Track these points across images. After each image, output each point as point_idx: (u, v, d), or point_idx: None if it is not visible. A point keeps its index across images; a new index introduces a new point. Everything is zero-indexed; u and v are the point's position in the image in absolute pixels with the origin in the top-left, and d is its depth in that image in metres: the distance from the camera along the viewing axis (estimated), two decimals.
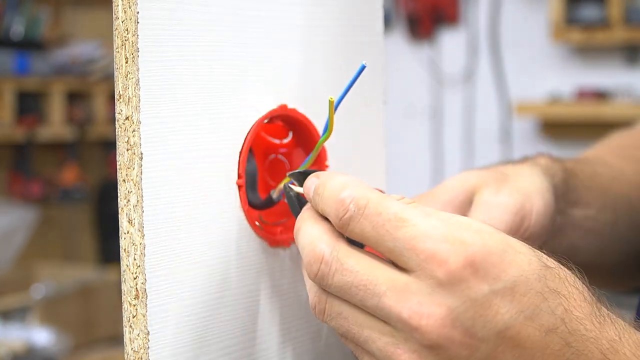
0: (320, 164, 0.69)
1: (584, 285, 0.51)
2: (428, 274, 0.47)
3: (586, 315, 0.49)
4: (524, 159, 0.75)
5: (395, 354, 0.49)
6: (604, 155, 0.87)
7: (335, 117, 0.64)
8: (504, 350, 0.47)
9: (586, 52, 3.38)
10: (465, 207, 0.68)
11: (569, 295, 0.49)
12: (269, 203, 0.67)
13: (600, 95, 3.24)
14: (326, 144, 0.69)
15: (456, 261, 0.47)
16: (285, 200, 0.64)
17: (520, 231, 0.67)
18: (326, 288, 0.51)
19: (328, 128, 0.61)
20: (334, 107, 0.60)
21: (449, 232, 0.48)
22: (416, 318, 0.47)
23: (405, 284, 0.48)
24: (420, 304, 0.47)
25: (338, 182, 0.53)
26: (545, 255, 0.51)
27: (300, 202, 0.60)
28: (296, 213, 0.59)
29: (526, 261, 0.49)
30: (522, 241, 0.51)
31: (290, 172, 0.62)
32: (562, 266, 0.51)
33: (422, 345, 0.48)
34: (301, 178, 0.59)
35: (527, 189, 0.69)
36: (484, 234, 0.49)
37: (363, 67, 0.59)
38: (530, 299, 0.47)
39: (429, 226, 0.48)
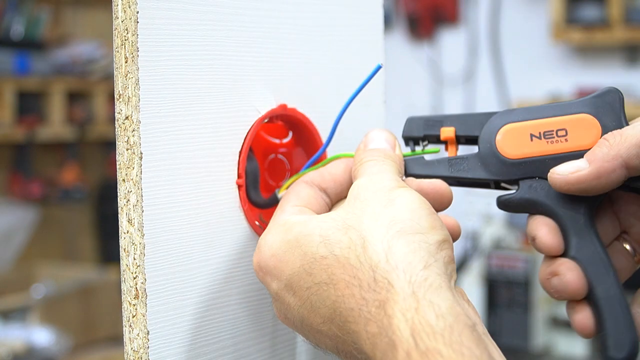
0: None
1: (363, 270, 0.52)
2: None
3: (357, 302, 0.52)
4: None
5: None
6: None
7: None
8: (308, 335, 0.57)
9: (586, 52, 3.37)
10: None
11: (337, 285, 0.53)
12: (274, 202, 0.67)
13: None
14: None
15: (254, 264, 0.59)
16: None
17: None
18: None
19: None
20: (342, 109, 0.61)
21: (260, 238, 0.59)
22: None
23: None
24: None
25: None
26: (330, 241, 0.54)
27: None
28: None
29: (299, 256, 0.55)
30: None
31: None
32: (339, 254, 0.53)
33: None
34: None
35: None
36: (275, 236, 0.57)
37: (379, 67, 0.58)
38: (303, 293, 0.55)
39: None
